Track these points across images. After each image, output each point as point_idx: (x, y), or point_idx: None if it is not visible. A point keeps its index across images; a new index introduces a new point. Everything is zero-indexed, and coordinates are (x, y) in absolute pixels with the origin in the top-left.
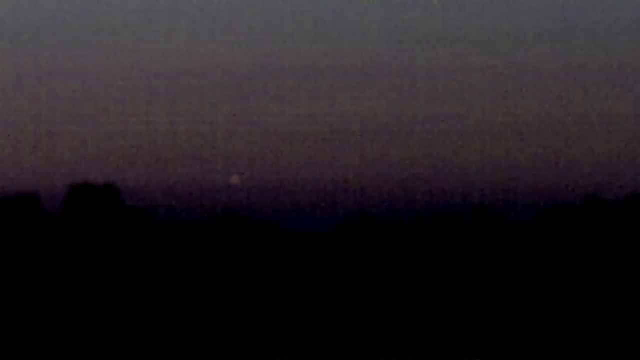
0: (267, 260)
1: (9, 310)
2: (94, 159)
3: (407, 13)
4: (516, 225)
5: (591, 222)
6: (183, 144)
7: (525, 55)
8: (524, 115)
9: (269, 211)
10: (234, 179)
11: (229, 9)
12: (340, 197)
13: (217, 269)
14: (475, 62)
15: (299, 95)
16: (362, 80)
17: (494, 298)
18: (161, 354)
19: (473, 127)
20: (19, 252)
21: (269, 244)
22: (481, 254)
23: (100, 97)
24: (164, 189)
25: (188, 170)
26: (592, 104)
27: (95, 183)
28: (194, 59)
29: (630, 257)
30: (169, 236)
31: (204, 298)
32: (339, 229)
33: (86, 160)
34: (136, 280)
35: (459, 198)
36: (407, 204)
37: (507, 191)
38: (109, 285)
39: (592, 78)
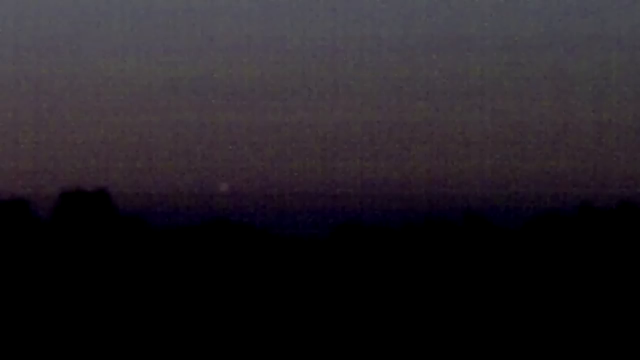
0: (260, 265)
1: (2, 316)
2: (86, 164)
3: (402, 20)
4: (507, 231)
5: (584, 230)
6: (175, 150)
7: (517, 63)
8: (516, 122)
9: (262, 217)
10: (223, 187)
11: (222, 18)
12: (332, 202)
13: (209, 274)
14: (465, 70)
15: (292, 103)
16: (353, 88)
17: (485, 304)
18: (153, 356)
19: (465, 133)
20: (9, 259)
21: (261, 249)
22: (472, 260)
23: (92, 103)
24: (156, 195)
25: (180, 176)
26: (584, 111)
27: (87, 189)
28: (186, 68)
29: (623, 264)
30: (162, 242)
31: (196, 303)
32: (331, 235)
33: (77, 166)
34: (128, 286)
35: (450, 204)
36: (399, 210)
37: (499, 198)
38: (100, 291)
39: (585, 86)
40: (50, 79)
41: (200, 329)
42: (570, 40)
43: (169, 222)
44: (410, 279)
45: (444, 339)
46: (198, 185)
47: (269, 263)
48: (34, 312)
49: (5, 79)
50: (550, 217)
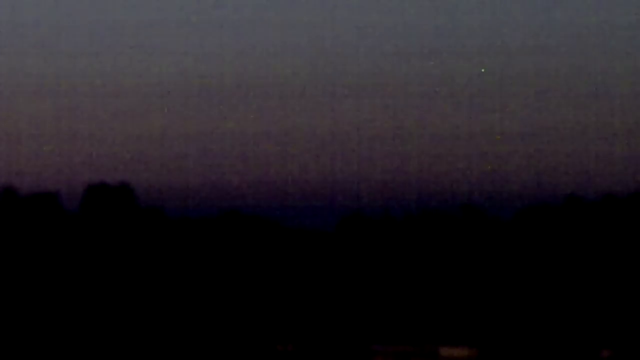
0: (270, 254)
1: (32, 301)
2: (110, 161)
3: (398, 26)
4: (499, 222)
5: (570, 220)
6: (192, 147)
7: (507, 65)
8: (507, 122)
9: (272, 209)
10: (235, 180)
11: (238, 28)
12: (338, 196)
13: (223, 262)
14: (460, 71)
15: (301, 105)
16: (356, 90)
17: (479, 289)
18: (170, 339)
19: (460, 133)
20: (40, 248)
21: (271, 239)
22: (467, 248)
23: (116, 104)
24: (174, 188)
25: (196, 171)
26: (569, 110)
27: (111, 183)
28: (204, 71)
29: (605, 253)
30: (179, 232)
31: (211, 289)
32: (337, 226)
33: (102, 163)
34: (148, 273)
35: (448, 197)
36: (400, 202)
37: (492, 191)
38: (123, 278)
39: (570, 85)
40: (78, 83)
41: (215, 311)
42: (554, 48)
43: (186, 213)
44: (411, 266)
45: (441, 319)
46: (212, 180)
47: (278, 251)
48: (65, 294)
49: (37, 80)
50: (539, 208)
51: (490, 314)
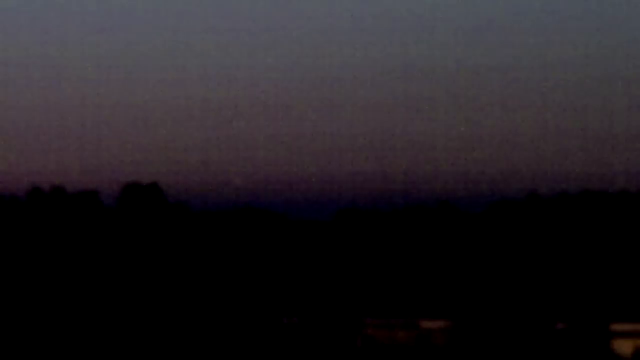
0: (277, 242)
1: (78, 284)
2: (142, 163)
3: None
4: (470, 215)
5: (530, 214)
6: (212, 152)
7: (472, 87)
8: (479, 128)
9: (278, 204)
10: (237, 180)
11: (255, 52)
12: (335, 193)
13: (238, 248)
14: (434, 92)
15: (304, 116)
16: (349, 103)
17: (455, 271)
18: (193, 310)
19: (439, 141)
20: (83, 239)
21: (278, 229)
22: (444, 237)
23: (148, 117)
24: (197, 187)
25: (216, 172)
26: (529, 121)
27: (143, 182)
28: (226, 89)
29: (562, 241)
30: (201, 224)
31: (228, 270)
32: (334, 217)
33: (136, 165)
34: (176, 257)
35: (427, 193)
36: (388, 198)
37: (465, 189)
38: (155, 261)
39: (530, 101)
40: (116, 101)
41: (230, 289)
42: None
43: (207, 207)
44: (397, 251)
45: (424, 297)
46: (230, 180)
47: (284, 239)
48: (106, 277)
49: (85, 98)
50: (504, 203)
51: (463, 293)
